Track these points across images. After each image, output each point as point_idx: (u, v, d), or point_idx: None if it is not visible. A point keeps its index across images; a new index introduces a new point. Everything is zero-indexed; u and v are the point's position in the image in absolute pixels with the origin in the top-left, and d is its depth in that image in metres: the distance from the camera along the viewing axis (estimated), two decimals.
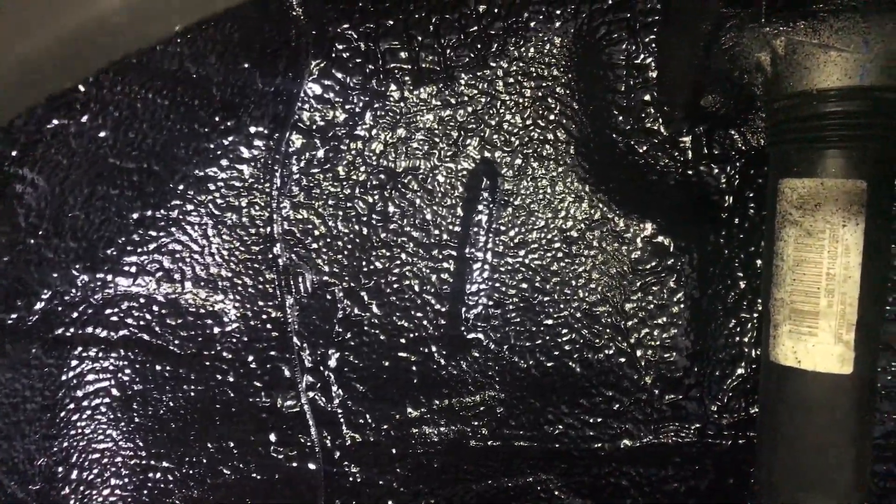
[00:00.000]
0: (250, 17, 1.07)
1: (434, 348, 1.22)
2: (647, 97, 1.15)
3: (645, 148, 1.17)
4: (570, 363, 1.22)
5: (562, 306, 1.19)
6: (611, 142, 1.17)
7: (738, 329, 1.17)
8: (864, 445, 0.97)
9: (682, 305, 1.17)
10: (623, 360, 1.20)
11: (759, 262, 1.17)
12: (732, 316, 1.18)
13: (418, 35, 1.12)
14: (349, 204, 1.21)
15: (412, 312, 1.23)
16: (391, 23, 1.10)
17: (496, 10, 1.10)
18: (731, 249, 1.17)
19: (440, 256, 1.22)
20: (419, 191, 1.20)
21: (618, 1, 1.09)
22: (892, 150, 0.94)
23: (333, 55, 1.14)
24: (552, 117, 1.15)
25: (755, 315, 1.18)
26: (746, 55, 1.01)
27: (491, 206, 1.20)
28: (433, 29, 1.12)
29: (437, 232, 1.21)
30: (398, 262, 1.22)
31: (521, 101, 1.15)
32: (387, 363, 1.24)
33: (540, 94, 1.15)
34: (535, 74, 1.14)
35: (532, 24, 1.11)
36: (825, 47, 0.93)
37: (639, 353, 1.20)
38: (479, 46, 1.12)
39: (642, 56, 1.13)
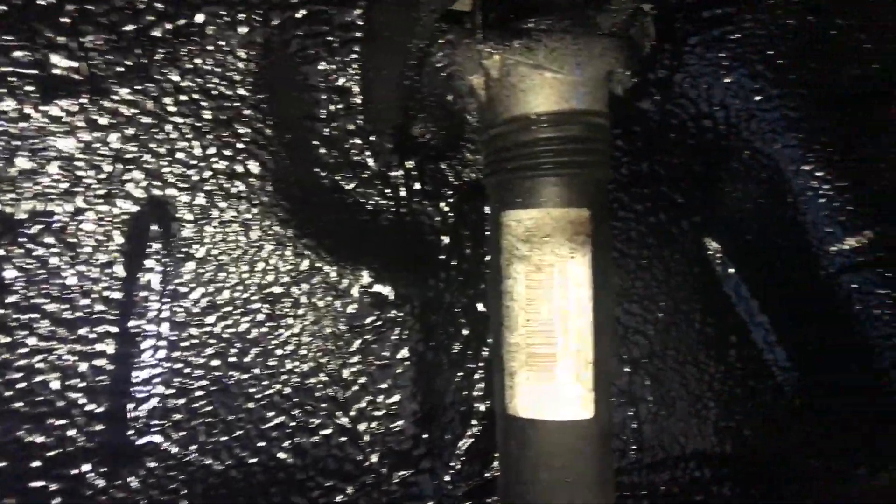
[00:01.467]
0: None
1: (87, 467, 0.89)
2: (351, 126, 0.99)
3: (353, 185, 1.00)
4: (280, 453, 0.99)
5: (266, 384, 0.96)
6: (314, 177, 0.99)
7: (466, 382, 1.06)
8: (608, 490, 0.90)
9: (406, 363, 1.02)
10: (344, 438, 1.01)
11: (480, 306, 1.07)
12: (458, 368, 1.06)
13: (47, 29, 0.82)
14: None
15: (50, 421, 0.89)
16: (2, 7, 0.79)
17: (161, 7, 0.85)
18: (451, 294, 1.06)
19: (92, 336, 0.90)
20: (54, 245, 0.88)
21: (313, 10, 0.93)
22: (608, 174, 0.90)
23: None
24: (241, 146, 0.93)
25: (481, 364, 1.07)
26: (460, 77, 0.92)
27: (164, 260, 0.92)
28: (70, 23, 0.83)
29: (85, 302, 0.90)
30: (24, 350, 0.88)
31: (199, 124, 0.91)
32: (13, 501, 0.87)
33: (224, 116, 0.92)
34: (215, 92, 0.91)
35: (209, 29, 0.89)
36: (540, 68, 0.87)
37: (361, 427, 1.01)
38: (138, 51, 0.86)
39: (343, 78, 0.98)
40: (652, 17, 0.99)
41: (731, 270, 1.14)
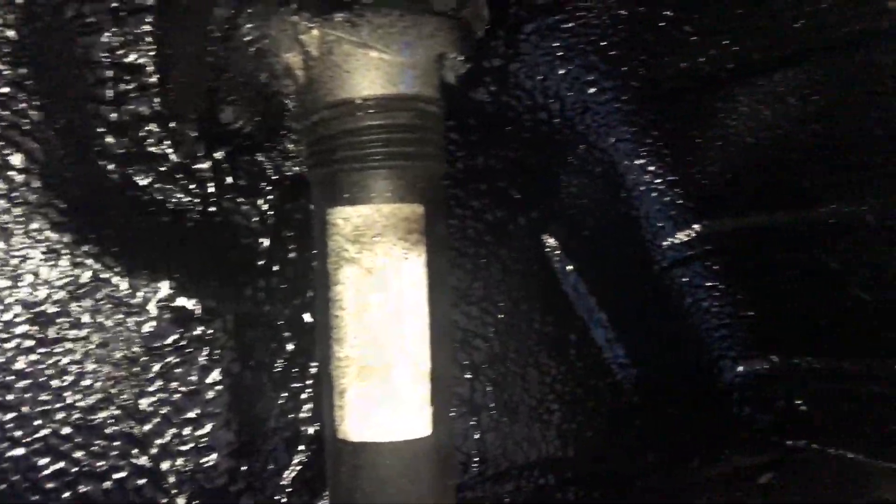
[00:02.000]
0: None
1: None
2: (145, 109, 0.84)
3: (149, 180, 0.85)
4: None
5: (38, 423, 0.79)
6: (98, 171, 0.82)
7: (292, 404, 0.94)
8: None
9: (218, 388, 0.88)
10: (143, 481, 0.85)
11: (307, 316, 0.95)
12: (282, 388, 0.94)
13: None
14: None
15: None
16: None
17: None
18: (273, 305, 0.94)
19: None
20: None
21: None
22: (442, 168, 0.83)
23: None
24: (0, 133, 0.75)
25: (310, 383, 0.95)
26: (274, 53, 0.80)
27: None
28: None
29: None
30: None
31: None
32: None
33: None
34: None
35: None
36: (365, 47, 0.77)
37: (165, 466, 0.86)
38: None
39: (134, 54, 0.82)
40: None
41: (570, 268, 1.11)
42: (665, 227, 1.16)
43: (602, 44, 1.08)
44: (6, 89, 0.75)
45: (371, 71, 0.79)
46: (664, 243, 1.17)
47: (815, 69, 0.94)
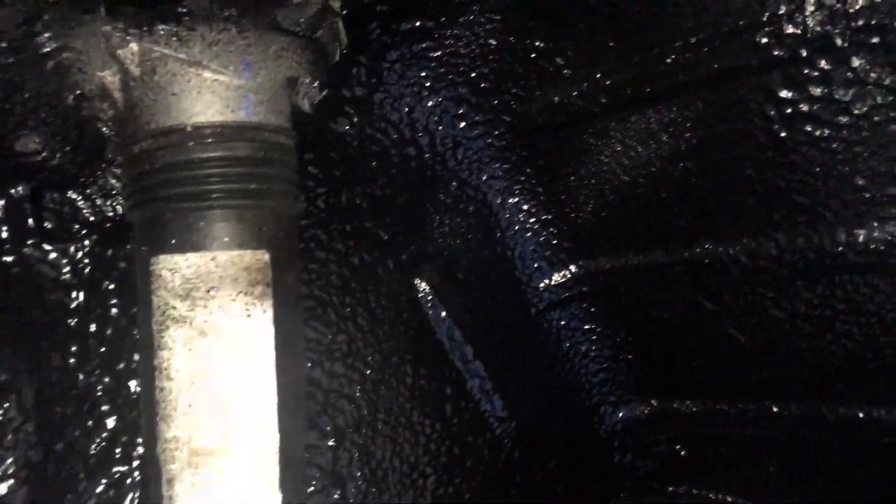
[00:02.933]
0: None
1: None
2: None
3: None
4: None
5: None
6: None
7: (114, 494, 0.77)
8: None
9: (15, 479, 0.71)
10: None
11: (134, 384, 0.80)
12: (101, 475, 0.77)
13: None
14: None
15: None
16: None
17: None
18: (88, 374, 0.78)
19: None
20: None
21: None
22: (293, 207, 0.72)
23: None
24: None
25: (136, 465, 0.80)
26: (82, 70, 0.66)
27: None
28: None
29: None
30: None
31: None
32: None
33: None
34: None
35: None
36: (197, 66, 0.65)
37: None
38: None
39: None
40: (342, 20, 0.83)
41: (444, 314, 1.02)
42: (541, 267, 1.10)
43: (472, 75, 1.01)
44: None
45: (205, 94, 0.67)
46: (540, 285, 1.10)
47: (687, 106, 0.92)
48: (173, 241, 0.65)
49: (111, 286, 0.78)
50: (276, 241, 0.68)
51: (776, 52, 0.80)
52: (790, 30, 0.79)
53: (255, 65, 0.69)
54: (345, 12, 0.83)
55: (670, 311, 1.07)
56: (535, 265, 1.10)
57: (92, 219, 0.77)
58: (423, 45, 0.99)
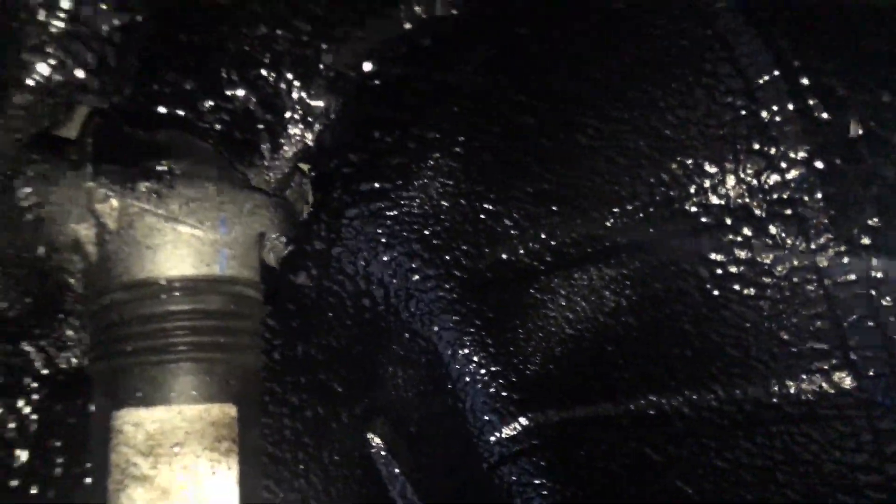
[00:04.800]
0: None
1: None
2: None
3: None
4: None
5: None
6: None
7: None
8: None
9: None
10: None
11: None
12: None
13: None
14: None
15: None
16: None
17: None
18: None
19: None
20: None
21: None
22: (259, 360, 0.72)
23: None
24: None
25: None
26: (58, 223, 0.67)
27: None
28: None
29: None
30: None
31: None
32: None
33: None
34: None
35: None
36: (174, 221, 0.67)
37: None
38: None
39: None
40: (309, 180, 0.88)
41: (396, 470, 1.00)
42: (491, 420, 1.11)
43: (425, 233, 1.07)
44: None
45: (180, 248, 0.69)
46: (491, 438, 1.11)
47: (626, 265, 0.99)
48: (139, 394, 0.64)
49: (57, 444, 0.74)
50: (243, 394, 0.68)
51: (704, 220, 0.89)
52: (715, 200, 0.88)
53: (229, 221, 0.72)
54: (313, 174, 0.89)
55: (619, 463, 1.09)
56: (486, 418, 1.11)
57: (45, 371, 0.75)
58: (381, 205, 1.04)
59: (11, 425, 0.72)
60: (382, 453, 1.00)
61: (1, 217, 0.65)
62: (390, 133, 0.96)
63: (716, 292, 0.92)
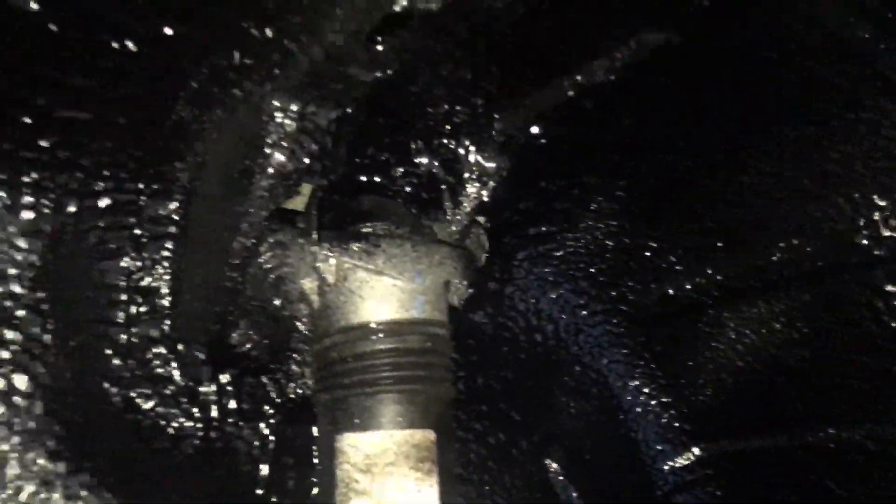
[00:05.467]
0: None
1: None
2: (155, 332, 0.84)
3: (151, 403, 0.83)
4: None
5: None
6: (102, 394, 0.80)
7: None
8: None
9: None
10: None
11: None
12: None
13: None
14: None
15: None
16: None
17: None
18: None
19: None
20: None
21: (120, 200, 0.81)
22: (451, 392, 0.83)
23: None
24: (6, 355, 0.74)
25: None
26: (291, 280, 0.82)
27: None
28: None
29: None
30: None
31: None
32: None
33: None
34: None
35: None
36: (380, 274, 0.80)
37: None
38: None
39: (150, 278, 0.84)
40: (486, 230, 0.99)
41: (574, 495, 1.07)
42: (664, 450, 1.15)
43: (591, 270, 1.14)
44: (23, 313, 0.75)
45: (385, 297, 0.82)
46: (665, 467, 1.15)
47: (795, 298, 1.00)
48: (356, 421, 0.77)
49: (290, 461, 0.90)
50: (440, 421, 0.79)
51: (877, 252, 0.89)
52: (887, 233, 0.88)
53: (423, 272, 0.84)
54: (488, 224, 1.00)
55: (799, 496, 1.08)
56: (659, 447, 1.15)
57: (278, 400, 0.91)
58: (548, 246, 1.13)
59: (255, 444, 0.88)
60: (560, 478, 1.07)
61: (251, 277, 0.81)
62: (555, 182, 1.05)
63: (894, 324, 0.91)
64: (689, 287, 1.07)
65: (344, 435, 0.77)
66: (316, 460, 0.89)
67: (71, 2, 0.65)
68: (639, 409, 1.15)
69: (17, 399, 0.73)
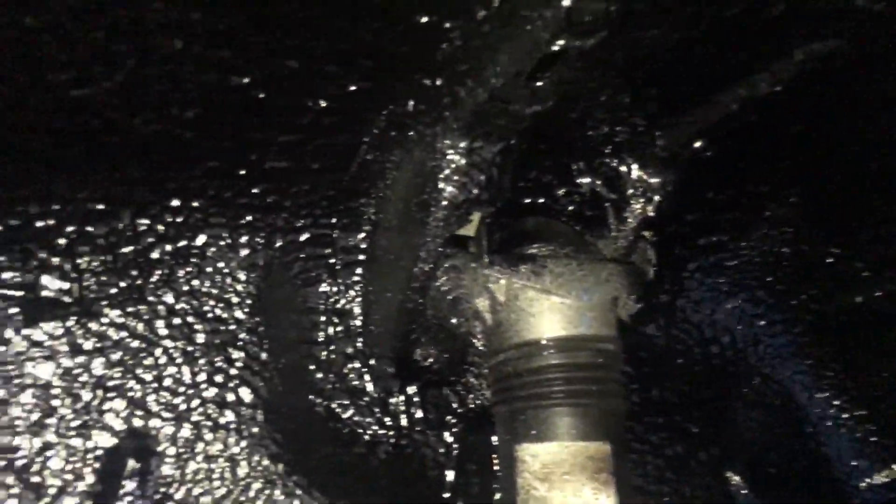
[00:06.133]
0: None
1: None
2: (350, 349, 0.95)
3: (350, 412, 0.93)
4: None
5: None
6: (308, 405, 0.92)
7: None
8: None
9: None
10: None
11: None
12: None
13: (39, 249, 0.80)
14: None
15: None
16: None
17: (162, 228, 0.84)
18: None
19: None
20: (15, 486, 0.78)
21: (316, 234, 0.92)
22: (624, 405, 0.85)
23: None
24: (234, 371, 0.87)
25: None
26: (466, 300, 0.89)
27: (140, 502, 0.82)
28: (66, 243, 0.80)
29: None
30: None
31: (191, 348, 0.86)
32: None
33: (217, 340, 0.87)
34: (211, 315, 0.87)
35: (210, 251, 0.87)
36: (548, 293, 0.85)
37: None
38: (134, 273, 0.84)
39: (344, 300, 0.95)
40: (652, 244, 1.00)
41: None
42: (860, 466, 1.08)
43: (767, 279, 1.11)
44: (245, 335, 0.89)
45: (554, 314, 0.86)
46: (861, 484, 1.08)
47: None
48: (533, 432, 0.81)
49: (473, 467, 0.96)
50: (614, 433, 0.82)
51: None
52: None
53: (590, 290, 0.87)
54: (654, 238, 1.01)
55: None
56: (854, 463, 1.09)
57: (459, 410, 0.98)
58: (720, 256, 1.12)
59: (441, 450, 0.96)
60: (743, 492, 1.05)
61: (430, 299, 0.89)
62: (723, 192, 1.04)
63: None
64: (880, 295, 1.01)
65: (522, 445, 0.82)
66: (496, 467, 0.95)
67: (274, 73, 0.76)
68: (829, 423, 1.10)
69: (243, 409, 0.87)
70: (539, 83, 0.75)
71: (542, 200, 0.99)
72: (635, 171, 0.94)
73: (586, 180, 0.97)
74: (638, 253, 0.99)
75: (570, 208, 0.99)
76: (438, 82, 0.75)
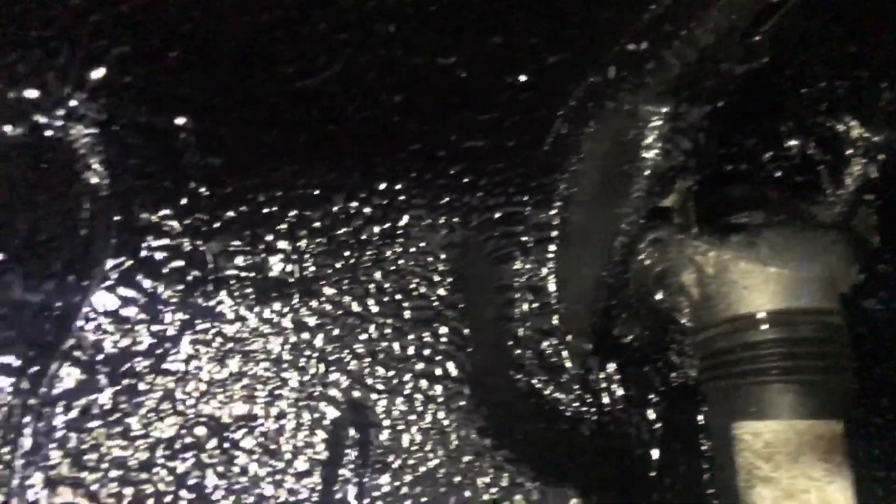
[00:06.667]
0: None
1: None
2: (546, 326, 0.95)
3: (550, 388, 0.93)
4: None
5: None
6: (510, 381, 0.93)
7: None
8: None
9: None
10: None
11: None
12: None
13: (266, 233, 0.86)
14: (145, 475, 0.83)
15: None
16: (231, 214, 0.84)
17: (370, 211, 0.88)
18: None
19: None
20: (256, 451, 0.85)
21: (509, 211, 0.93)
22: (854, 382, 0.79)
23: (141, 253, 0.83)
24: (440, 347, 0.90)
25: None
26: (673, 274, 0.86)
27: (361, 470, 0.87)
28: (288, 227, 0.86)
29: None
30: None
31: (399, 324, 0.90)
32: None
33: (424, 317, 0.90)
34: (416, 293, 0.91)
35: (413, 231, 0.91)
36: (762, 264, 0.80)
37: None
38: (347, 254, 0.88)
39: (538, 277, 0.95)
40: (875, 208, 0.91)
41: None
42: None
43: None
44: (448, 312, 0.91)
45: (770, 286, 0.81)
46: None
47: None
48: (752, 410, 0.77)
49: (678, 446, 0.93)
50: (845, 412, 0.76)
51: None
52: None
53: (807, 259, 0.81)
54: (878, 202, 0.92)
55: None
56: None
57: (661, 388, 0.95)
58: None
59: (645, 429, 0.94)
60: None
61: (634, 273, 0.87)
62: None
63: None
64: None
65: (740, 423, 0.78)
66: (703, 446, 0.91)
67: (478, 51, 0.77)
68: None
69: (450, 383, 0.89)
70: (755, 38, 0.71)
71: (745, 167, 0.94)
72: (856, 129, 0.86)
73: (796, 142, 0.90)
74: (858, 219, 0.91)
75: (777, 174, 0.93)
76: (644, 46, 0.72)
